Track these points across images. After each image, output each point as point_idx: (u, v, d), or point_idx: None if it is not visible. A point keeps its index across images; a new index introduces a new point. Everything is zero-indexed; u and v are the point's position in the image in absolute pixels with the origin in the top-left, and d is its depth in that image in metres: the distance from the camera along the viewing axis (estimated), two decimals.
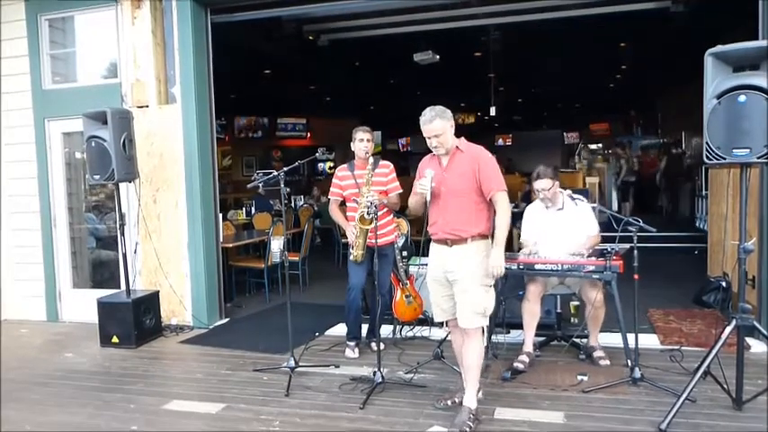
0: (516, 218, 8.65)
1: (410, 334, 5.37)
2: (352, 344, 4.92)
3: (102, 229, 6.80)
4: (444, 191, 3.54)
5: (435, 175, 3.56)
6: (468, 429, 3.46)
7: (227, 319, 6.27)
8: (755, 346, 4.67)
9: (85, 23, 6.48)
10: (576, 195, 4.58)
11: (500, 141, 19.92)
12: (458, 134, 3.62)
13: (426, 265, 5.74)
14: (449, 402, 3.78)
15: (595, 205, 5.11)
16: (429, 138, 3.52)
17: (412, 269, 5.55)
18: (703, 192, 9.66)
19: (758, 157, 3.27)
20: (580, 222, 4.51)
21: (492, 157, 3.60)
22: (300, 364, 4.48)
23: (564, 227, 4.50)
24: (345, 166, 4.94)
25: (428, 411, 3.72)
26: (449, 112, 3.55)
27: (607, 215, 4.57)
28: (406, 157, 19.81)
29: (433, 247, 3.69)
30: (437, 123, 3.48)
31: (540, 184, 4.49)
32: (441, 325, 4.05)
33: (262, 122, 16.37)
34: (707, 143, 3.41)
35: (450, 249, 3.56)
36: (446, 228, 3.55)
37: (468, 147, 3.60)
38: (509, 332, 4.85)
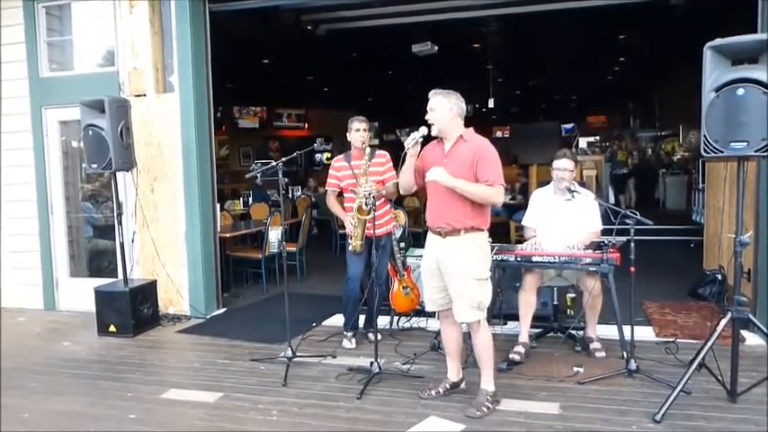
0: (513, 211, 8.73)
1: (407, 325, 5.39)
2: (350, 334, 4.93)
3: (98, 218, 6.79)
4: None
5: (435, 163, 3.53)
6: (486, 410, 3.52)
7: (225, 309, 6.28)
8: (750, 338, 4.71)
9: (82, 11, 6.44)
10: (581, 188, 4.57)
11: (498, 133, 19.92)
12: None
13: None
14: (432, 393, 3.81)
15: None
16: (428, 111, 3.55)
17: (409, 260, 5.56)
18: (700, 185, 9.70)
19: (755, 151, 3.28)
20: (585, 217, 4.51)
21: (494, 150, 3.55)
22: (298, 354, 4.49)
23: (568, 218, 4.50)
24: (342, 156, 4.93)
25: (425, 402, 3.74)
26: (455, 96, 3.55)
27: (604, 208, 4.58)
28: (403, 147, 19.78)
29: (429, 237, 3.70)
30: (434, 99, 3.55)
31: (563, 164, 4.50)
32: (436, 315, 4.08)
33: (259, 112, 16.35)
34: (704, 136, 3.41)
35: (443, 241, 3.56)
36: (441, 217, 3.55)
37: (472, 138, 3.57)
38: (506, 323, 4.87)
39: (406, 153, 3.59)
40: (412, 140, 3.52)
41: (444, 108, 3.52)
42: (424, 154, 3.65)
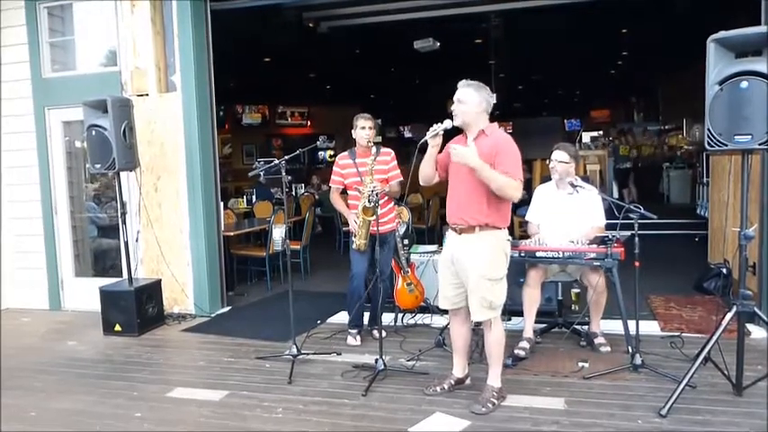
0: (517, 206, 8.72)
1: (411, 322, 5.39)
2: (354, 331, 4.94)
3: (103, 217, 6.81)
4: (464, 172, 3.48)
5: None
6: (491, 406, 3.51)
7: (229, 308, 6.29)
8: (756, 332, 4.69)
9: (84, 11, 6.44)
10: (583, 183, 4.56)
11: (500, 129, 19.82)
12: None
13: (427, 253, 5.79)
14: (438, 389, 3.81)
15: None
16: (454, 102, 3.52)
17: (413, 257, 5.56)
18: (705, 179, 9.66)
19: (760, 144, 3.26)
20: (588, 211, 4.50)
21: (515, 146, 3.51)
22: (303, 351, 4.50)
23: (571, 212, 4.49)
24: (346, 153, 4.92)
25: (430, 398, 3.74)
26: (486, 91, 3.52)
27: (608, 202, 4.57)
28: (407, 144, 19.80)
29: (448, 232, 3.71)
30: (465, 90, 3.50)
31: (558, 155, 4.50)
32: (442, 312, 4.06)
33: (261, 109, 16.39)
34: (708, 130, 3.39)
35: (459, 238, 3.55)
36: (458, 213, 3.53)
37: (493, 132, 3.54)
38: (510, 319, 4.86)
39: (421, 143, 3.57)
40: (432, 132, 3.49)
41: (474, 102, 3.48)
42: (448, 148, 3.62)
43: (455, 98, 3.51)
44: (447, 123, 3.51)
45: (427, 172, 3.67)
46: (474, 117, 3.50)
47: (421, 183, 3.85)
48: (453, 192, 3.60)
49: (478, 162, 3.34)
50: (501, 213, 3.52)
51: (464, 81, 3.53)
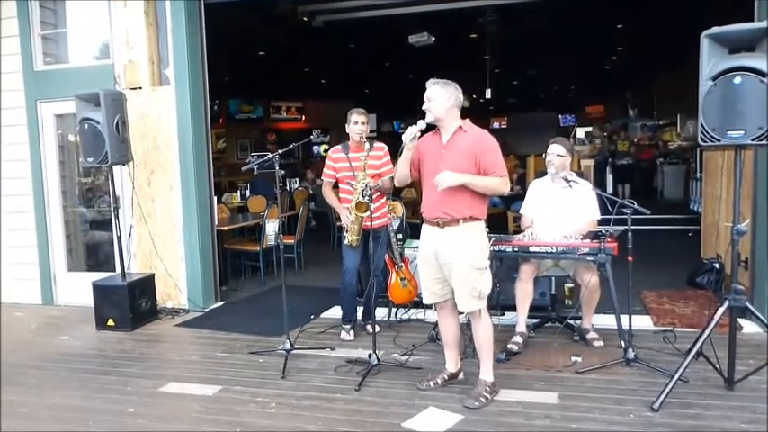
0: (511, 201, 8.75)
1: (405, 316, 5.40)
2: (348, 326, 4.93)
3: (95, 212, 6.77)
4: (442, 168, 3.49)
5: (433, 153, 3.57)
6: (484, 400, 3.53)
7: (223, 302, 6.28)
8: (747, 326, 4.72)
9: (77, 3, 6.38)
10: (577, 178, 4.56)
11: (495, 124, 19.87)
12: None
13: None
14: (431, 383, 3.82)
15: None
16: (424, 101, 3.56)
17: (407, 252, 5.56)
18: (698, 174, 9.70)
19: (752, 139, 3.27)
20: (583, 205, 4.51)
21: (495, 141, 3.57)
22: (296, 346, 4.50)
23: (566, 206, 4.49)
24: (339, 147, 4.90)
25: (423, 393, 3.75)
26: (452, 87, 3.56)
27: (602, 197, 4.58)
28: (400, 139, 19.76)
29: (425, 228, 3.68)
30: (432, 89, 3.55)
31: (554, 149, 4.52)
32: (433, 307, 4.08)
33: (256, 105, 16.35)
34: (702, 125, 3.40)
35: (441, 231, 3.55)
36: (440, 207, 3.53)
37: (471, 128, 3.59)
38: (503, 314, 4.87)
39: (403, 148, 3.60)
40: (410, 135, 3.52)
41: (442, 99, 3.52)
42: (420, 145, 3.64)
43: (424, 97, 3.56)
44: (421, 124, 3.54)
45: (403, 173, 3.71)
46: (444, 113, 3.54)
47: (396, 184, 3.95)
48: (433, 187, 3.58)
49: (463, 178, 3.41)
50: (483, 206, 3.60)
51: (431, 80, 3.59)
